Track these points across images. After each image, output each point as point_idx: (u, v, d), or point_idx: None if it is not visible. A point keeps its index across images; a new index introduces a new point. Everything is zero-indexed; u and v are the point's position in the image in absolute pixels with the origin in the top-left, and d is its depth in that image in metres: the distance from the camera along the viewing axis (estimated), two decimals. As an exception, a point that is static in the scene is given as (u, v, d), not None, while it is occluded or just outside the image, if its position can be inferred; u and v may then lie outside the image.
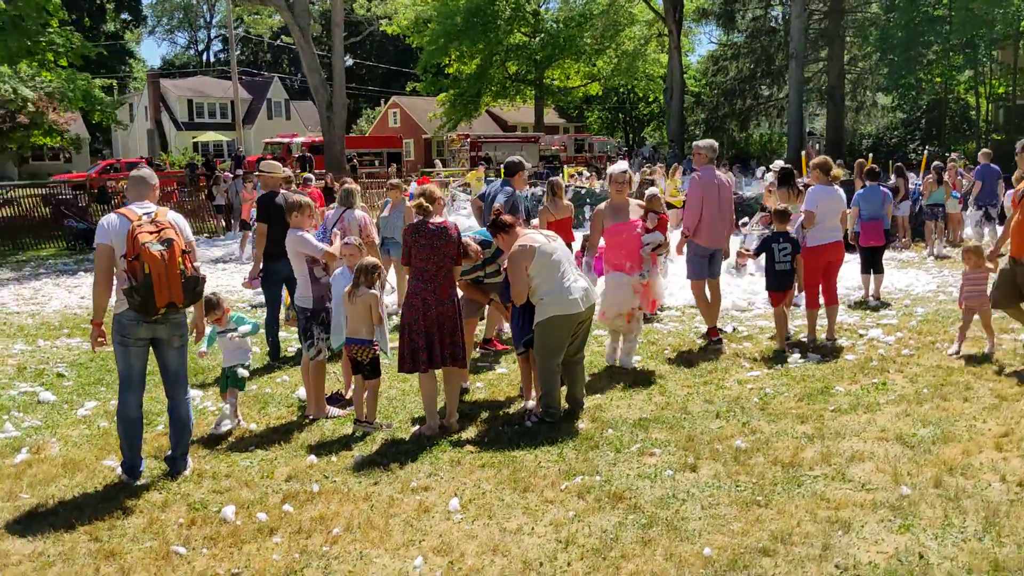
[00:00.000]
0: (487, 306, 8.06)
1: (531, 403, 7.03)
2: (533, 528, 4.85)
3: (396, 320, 9.12)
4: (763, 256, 9.00)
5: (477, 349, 8.97)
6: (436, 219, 6.57)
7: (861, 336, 9.33)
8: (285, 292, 9.03)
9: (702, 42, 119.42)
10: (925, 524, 4.69)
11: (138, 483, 5.75)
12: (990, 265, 8.22)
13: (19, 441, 6.77)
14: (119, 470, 5.90)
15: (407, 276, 6.77)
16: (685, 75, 46.55)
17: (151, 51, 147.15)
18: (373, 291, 6.68)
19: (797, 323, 9.64)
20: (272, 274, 8.88)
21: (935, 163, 17.67)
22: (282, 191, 9.10)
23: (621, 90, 57.87)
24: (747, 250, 10.23)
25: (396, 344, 6.89)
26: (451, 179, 30.88)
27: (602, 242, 8.41)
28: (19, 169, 51.70)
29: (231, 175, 24.07)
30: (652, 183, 14.19)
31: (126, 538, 4.91)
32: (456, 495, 5.30)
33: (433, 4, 46.19)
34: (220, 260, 18.94)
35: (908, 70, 32.40)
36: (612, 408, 7.07)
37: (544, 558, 4.49)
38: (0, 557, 4.74)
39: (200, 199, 27.11)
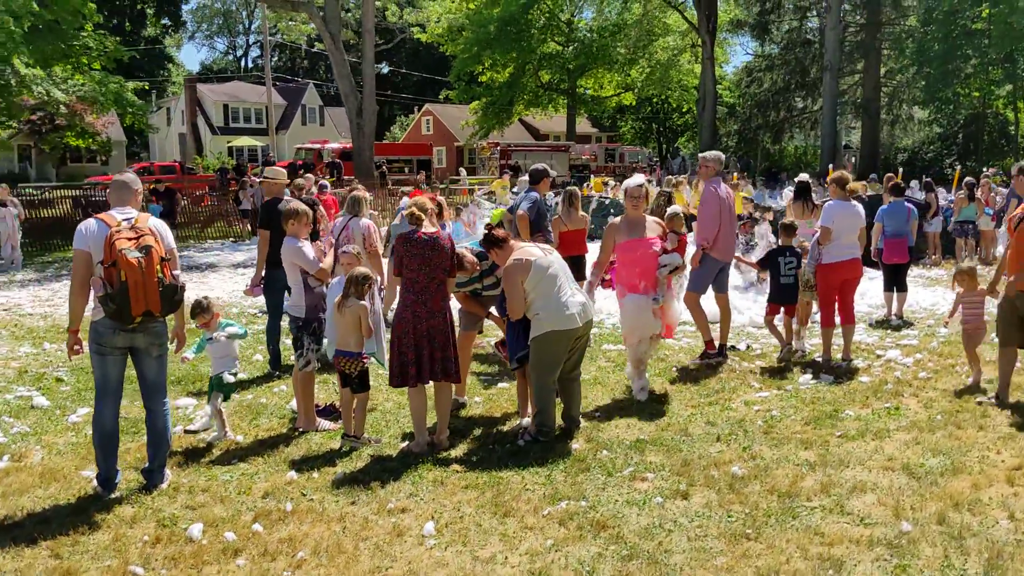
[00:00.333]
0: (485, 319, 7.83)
1: (526, 420, 6.80)
2: (507, 557, 4.61)
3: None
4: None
5: (492, 344, 8.69)
6: (428, 229, 6.38)
7: (878, 357, 9.00)
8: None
9: (737, 53, 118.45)
10: (923, 565, 4.40)
11: (112, 496, 5.59)
12: (991, 292, 7.77)
13: (3, 448, 6.65)
14: (95, 482, 5.75)
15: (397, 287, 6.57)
16: (719, 86, 46.22)
17: (191, 56, 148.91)
18: (363, 302, 6.50)
19: (813, 342, 9.33)
20: (274, 281, 8.73)
21: (967, 179, 17.23)
22: (285, 198, 8.97)
23: (655, 100, 57.58)
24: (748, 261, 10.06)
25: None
26: (476, 187, 30.73)
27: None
28: (57, 170, 52.35)
29: (259, 180, 24.08)
30: (670, 196, 13.91)
31: (87, 555, 4.74)
32: (433, 518, 5.09)
33: (467, 12, 46.18)
34: (241, 264, 18.95)
35: (945, 84, 31.83)
36: (610, 427, 6.82)
37: (515, 590, 4.26)
38: (-44, 571, 4.60)
39: (227, 203, 27.20)
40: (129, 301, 5.18)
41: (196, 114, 59.22)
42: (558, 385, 6.63)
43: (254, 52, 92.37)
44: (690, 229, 10.30)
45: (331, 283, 7.10)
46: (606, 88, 51.87)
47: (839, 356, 8.83)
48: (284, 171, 9.42)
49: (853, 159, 36.73)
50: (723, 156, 9.28)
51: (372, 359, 6.88)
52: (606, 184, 25.51)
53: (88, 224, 5.41)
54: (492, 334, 9.79)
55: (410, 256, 6.27)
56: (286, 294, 8.80)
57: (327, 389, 8.13)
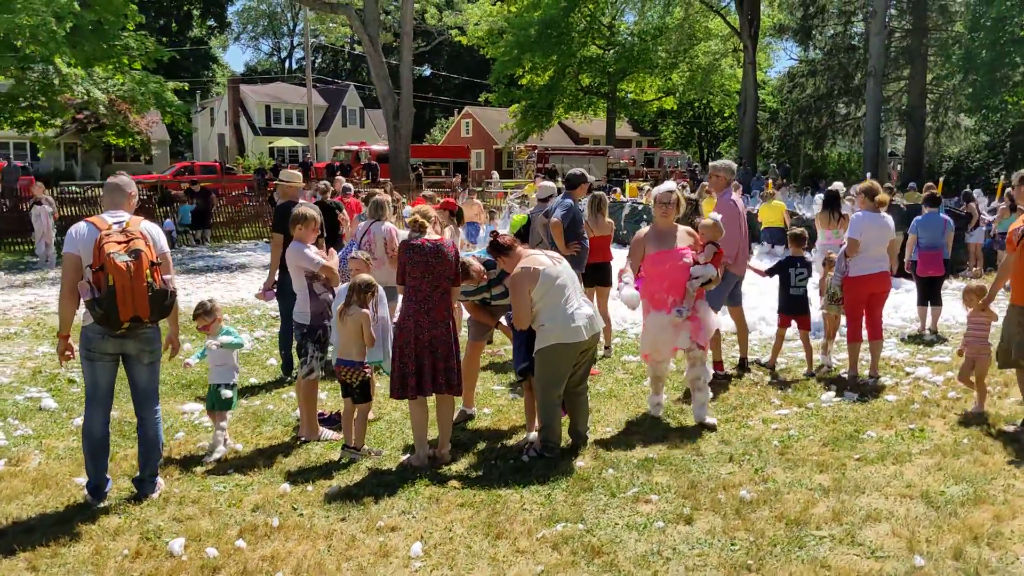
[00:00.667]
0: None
1: (533, 435, 6.58)
2: (493, 583, 4.42)
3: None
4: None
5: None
6: (432, 236, 6.20)
7: (908, 374, 8.67)
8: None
9: (780, 58, 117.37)
10: (934, 604, 4.13)
11: (101, 505, 5.47)
12: (993, 311, 7.37)
13: (3, 451, 6.58)
14: (86, 490, 5.64)
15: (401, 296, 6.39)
16: (762, 91, 45.61)
17: (236, 58, 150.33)
18: (365, 310, 6.33)
19: (840, 357, 9.02)
20: (288, 285, 8.56)
21: (1009, 189, 16.70)
22: (301, 200, 8.85)
23: (696, 105, 57.00)
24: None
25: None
26: (508, 191, 30.56)
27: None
28: (102, 169, 53.01)
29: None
30: (697, 204, 13.62)
31: (64, 568, 4.61)
32: (422, 538, 4.90)
33: (507, 15, 46.05)
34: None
35: (993, 91, 31.03)
36: (620, 444, 6.58)
37: (498, 619, 4.06)
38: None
39: (262, 203, 27.27)
40: (117, 306, 5.05)
41: (239, 115, 59.62)
42: (565, 399, 6.42)
43: (298, 54, 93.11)
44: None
45: (338, 290, 6.94)
46: (647, 92, 51.48)
47: (866, 373, 8.53)
48: (299, 174, 9.29)
49: (899, 167, 35.96)
50: (734, 165, 8.98)
51: (374, 369, 6.72)
52: (640, 189, 25.18)
53: (79, 227, 5.30)
54: (501, 345, 9.59)
55: (413, 264, 6.10)
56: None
57: (336, 397, 7.97)
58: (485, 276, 6.69)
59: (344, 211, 11.12)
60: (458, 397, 6.60)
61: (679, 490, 5.60)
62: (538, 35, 43.86)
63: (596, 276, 9.62)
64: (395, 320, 6.57)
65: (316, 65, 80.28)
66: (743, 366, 8.82)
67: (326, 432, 6.90)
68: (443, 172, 45.05)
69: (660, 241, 7.15)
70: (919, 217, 11.12)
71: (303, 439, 6.78)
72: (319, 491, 5.68)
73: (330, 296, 6.95)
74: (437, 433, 6.37)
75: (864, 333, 8.53)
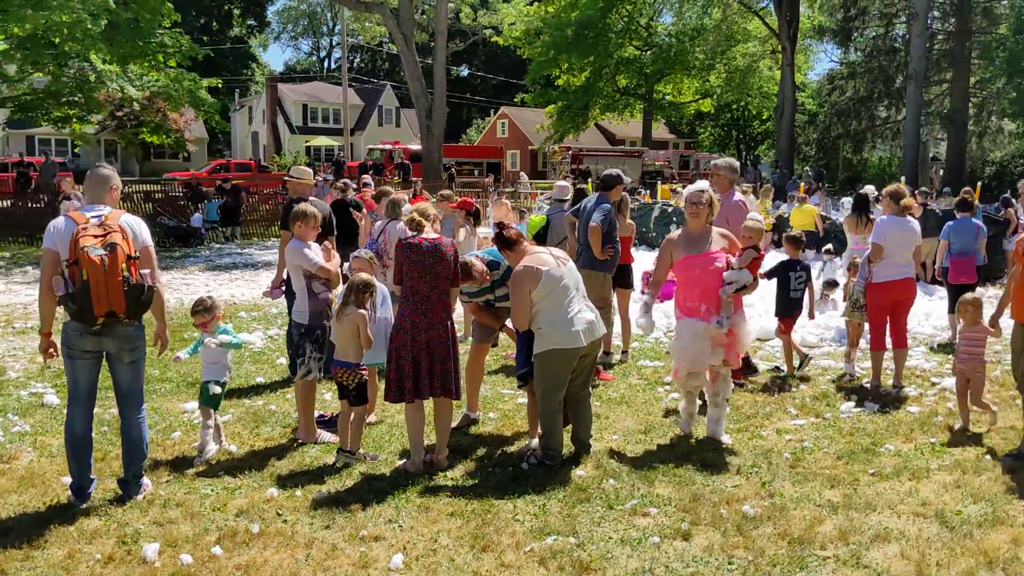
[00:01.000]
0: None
1: (535, 441, 6.36)
2: (472, 599, 4.21)
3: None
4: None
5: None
6: (430, 235, 6.00)
7: (933, 385, 8.34)
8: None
9: (820, 60, 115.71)
10: (939, 635, 3.86)
11: (83, 506, 5.34)
12: (991, 329, 6.96)
13: (-2, 448, 6.49)
14: (69, 490, 5.51)
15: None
16: (800, 94, 44.97)
17: (276, 57, 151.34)
18: (362, 311, 6.14)
19: (863, 366, 8.70)
20: (294, 284, 8.45)
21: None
22: (311, 198, 8.71)
23: (734, 107, 56.36)
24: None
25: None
26: (539, 192, 30.32)
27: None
28: (140, 166, 53.57)
29: (321, 180, 24.06)
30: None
31: (33, 573, 4.47)
32: (404, 549, 4.70)
33: (544, 16, 45.79)
34: (295, 264, 18.79)
35: (1038, 95, 30.32)
36: (625, 452, 6.34)
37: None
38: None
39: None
40: (91, 301, 4.91)
41: (276, 113, 59.94)
42: (567, 406, 6.19)
43: (337, 53, 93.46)
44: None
45: (339, 290, 6.77)
46: (684, 94, 50.96)
47: (890, 382, 8.22)
48: (309, 171, 9.16)
49: (940, 171, 35.19)
50: (736, 164, 8.71)
51: (377, 371, 6.54)
52: (674, 191, 24.80)
53: (57, 222, 5.18)
54: (506, 347, 9.36)
55: (410, 264, 5.91)
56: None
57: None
58: (488, 277, 6.48)
59: (363, 209, 10.98)
60: (461, 401, 6.40)
61: (680, 503, 5.35)
62: (575, 36, 43.53)
63: (617, 278, 9.38)
64: None
65: (354, 65, 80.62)
66: (748, 364, 8.51)
67: (324, 434, 6.73)
68: (476, 172, 44.90)
69: (691, 244, 6.69)
70: (951, 222, 10.74)
71: (300, 441, 6.62)
72: (307, 496, 5.50)
73: (330, 296, 6.78)
74: (435, 438, 6.18)
75: (888, 341, 8.22)
